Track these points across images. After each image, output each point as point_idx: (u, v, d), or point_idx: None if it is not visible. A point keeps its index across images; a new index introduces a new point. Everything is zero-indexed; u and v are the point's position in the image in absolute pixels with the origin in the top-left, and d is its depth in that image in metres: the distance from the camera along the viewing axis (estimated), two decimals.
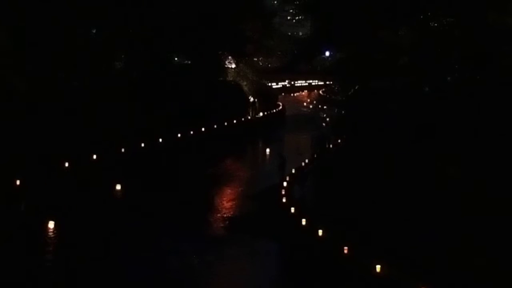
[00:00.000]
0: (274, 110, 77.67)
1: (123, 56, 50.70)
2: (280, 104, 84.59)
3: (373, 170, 26.90)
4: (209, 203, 35.69)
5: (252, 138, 59.58)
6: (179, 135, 47.90)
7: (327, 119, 68.25)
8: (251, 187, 39.47)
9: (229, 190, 39.02)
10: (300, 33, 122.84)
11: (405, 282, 19.47)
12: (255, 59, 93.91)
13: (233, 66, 67.80)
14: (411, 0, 28.30)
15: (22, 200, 31.26)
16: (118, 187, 35.68)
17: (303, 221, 25.57)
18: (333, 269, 22.44)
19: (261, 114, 70.79)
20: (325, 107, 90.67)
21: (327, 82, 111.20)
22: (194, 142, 49.21)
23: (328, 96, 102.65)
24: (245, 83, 70.39)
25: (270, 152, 53.00)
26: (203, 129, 51.83)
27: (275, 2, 75.49)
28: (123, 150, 40.44)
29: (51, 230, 28.02)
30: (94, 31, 47.47)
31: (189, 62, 58.46)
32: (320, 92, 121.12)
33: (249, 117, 66.77)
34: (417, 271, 19.85)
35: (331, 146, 42.89)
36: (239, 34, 61.10)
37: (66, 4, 40.39)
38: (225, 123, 56.84)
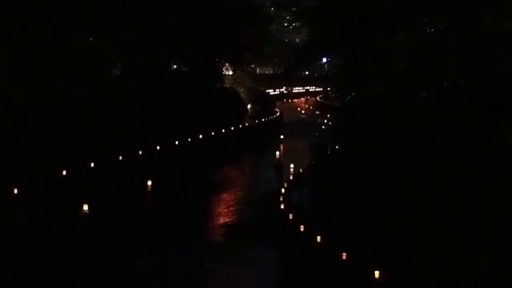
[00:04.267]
0: (272, 117, 77.73)
1: (120, 63, 50.71)
2: (278, 110, 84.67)
3: (372, 176, 26.86)
4: (207, 209, 35.72)
5: (250, 145, 59.57)
6: (176, 142, 47.87)
7: (325, 125, 68.24)
8: (249, 194, 39.52)
9: (228, 197, 39.03)
10: (297, 40, 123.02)
11: None
12: (252, 66, 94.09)
13: (230, 73, 67.86)
14: (407, 6, 28.30)
15: (20, 207, 31.17)
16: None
17: (302, 228, 25.55)
18: (331, 275, 22.41)
19: (258, 120, 70.81)
20: (322, 113, 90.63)
21: (327, 88, 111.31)
22: (192, 149, 49.16)
23: (325, 102, 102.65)
24: (242, 90, 70.45)
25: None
26: (200, 136, 51.80)
27: (272, 9, 75.52)
28: (120, 157, 40.38)
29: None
30: (91, 38, 47.45)
31: (187, 69, 58.48)
32: (318, 98, 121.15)
33: (247, 124, 66.77)
34: (416, 277, 19.83)
35: (329, 152, 42.84)
36: (236, 41, 61.20)
37: (64, 11, 40.38)
38: (223, 130, 56.82)
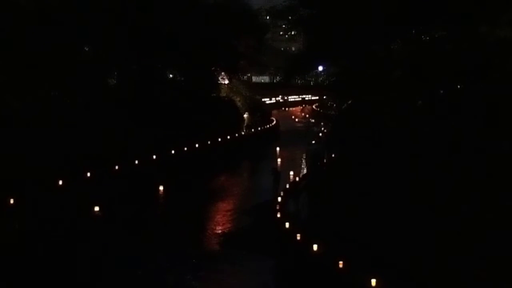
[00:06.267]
0: (268, 126, 77.75)
1: (116, 73, 50.72)
2: (274, 119, 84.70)
3: (368, 184, 26.86)
4: (204, 218, 35.70)
5: (246, 154, 59.56)
6: (173, 151, 47.85)
7: (321, 133, 68.28)
8: (245, 203, 39.47)
9: (224, 206, 39.00)
10: (293, 48, 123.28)
11: None
12: (248, 74, 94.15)
13: (226, 82, 67.90)
14: (403, 14, 28.37)
15: (15, 218, 31.06)
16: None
17: (298, 236, 25.52)
18: (328, 284, 22.38)
19: (254, 129, 70.79)
20: (317, 121, 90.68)
21: (323, 97, 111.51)
22: (188, 158, 49.13)
23: (321, 110, 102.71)
24: (238, 98, 70.46)
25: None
26: (197, 145, 51.78)
27: (268, 18, 75.73)
28: (116, 167, 40.35)
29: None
30: (87, 48, 47.48)
31: (182, 78, 58.50)
32: (314, 107, 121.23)
33: (243, 133, 66.76)
34: (412, 285, 19.82)
35: (325, 160, 42.87)
36: (232, 50, 61.24)
37: (60, 21, 40.45)
38: (219, 139, 56.80)
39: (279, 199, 33.11)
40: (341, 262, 21.75)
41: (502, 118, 22.72)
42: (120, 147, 41.58)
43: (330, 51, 33.14)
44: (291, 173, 44.27)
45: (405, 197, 23.97)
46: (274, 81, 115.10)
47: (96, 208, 34.42)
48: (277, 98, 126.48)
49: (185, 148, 49.79)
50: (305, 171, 43.94)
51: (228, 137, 59.57)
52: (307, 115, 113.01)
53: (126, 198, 36.97)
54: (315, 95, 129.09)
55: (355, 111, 33.05)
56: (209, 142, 54.21)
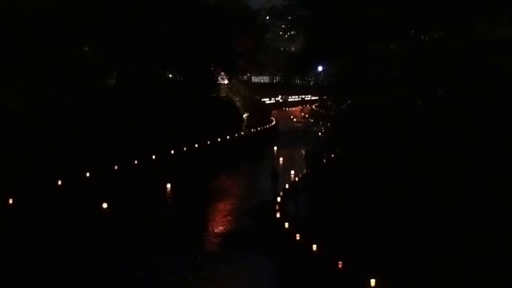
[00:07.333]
0: (267, 126, 77.73)
1: (115, 73, 50.72)
2: (273, 119, 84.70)
3: (367, 184, 26.87)
4: (204, 218, 35.69)
5: (246, 154, 59.51)
6: (172, 151, 47.83)
7: (320, 133, 68.20)
8: (245, 203, 39.45)
9: (224, 206, 38.98)
10: (293, 48, 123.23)
11: None
12: (248, 74, 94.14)
13: (226, 82, 67.90)
14: (403, 15, 28.38)
15: (15, 217, 31.06)
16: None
17: (297, 236, 25.52)
18: (328, 284, 22.38)
19: (254, 129, 70.78)
20: (317, 121, 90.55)
21: (323, 97, 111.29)
22: (188, 158, 49.11)
23: (321, 111, 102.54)
24: (238, 98, 70.47)
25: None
26: (196, 145, 51.76)
27: (267, 18, 75.77)
28: (116, 167, 40.34)
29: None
30: (86, 48, 47.49)
31: (182, 78, 58.51)
32: (313, 107, 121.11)
33: (242, 133, 66.75)
34: (411, 286, 19.82)
35: (324, 161, 42.87)
36: (231, 50, 61.24)
37: (60, 21, 40.47)
38: (219, 139, 56.78)
39: (279, 199, 33.10)
40: (340, 262, 21.75)
41: (502, 118, 22.74)
42: (120, 147, 41.54)
43: (330, 51, 33.13)
44: (292, 172, 44.29)
45: (405, 196, 23.97)
46: (274, 81, 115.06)
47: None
48: (276, 98, 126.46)
49: (185, 148, 49.76)
50: (304, 171, 43.94)
51: (228, 137, 59.54)
52: (307, 115, 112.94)
53: (126, 198, 36.95)
54: (315, 95, 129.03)
55: (355, 111, 33.07)
56: (208, 142, 54.17)
